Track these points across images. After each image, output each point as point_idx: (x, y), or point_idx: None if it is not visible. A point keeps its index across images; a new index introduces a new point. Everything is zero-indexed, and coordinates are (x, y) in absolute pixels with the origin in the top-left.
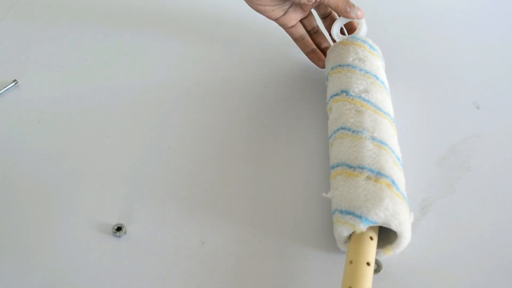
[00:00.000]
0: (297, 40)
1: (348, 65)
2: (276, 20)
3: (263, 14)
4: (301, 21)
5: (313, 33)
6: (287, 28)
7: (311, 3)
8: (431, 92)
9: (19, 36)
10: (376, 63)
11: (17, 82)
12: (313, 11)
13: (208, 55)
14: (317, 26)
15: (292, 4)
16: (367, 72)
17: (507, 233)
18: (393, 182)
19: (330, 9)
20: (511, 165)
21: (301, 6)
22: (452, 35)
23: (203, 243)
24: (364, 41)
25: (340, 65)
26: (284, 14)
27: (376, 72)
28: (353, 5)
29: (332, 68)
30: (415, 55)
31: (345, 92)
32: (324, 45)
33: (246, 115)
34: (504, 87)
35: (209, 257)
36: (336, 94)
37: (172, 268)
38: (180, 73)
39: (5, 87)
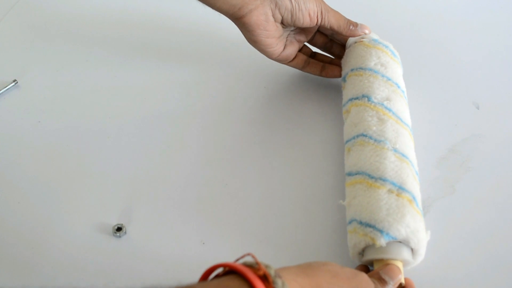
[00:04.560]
0: (304, 67)
1: (370, 70)
2: (277, 57)
3: (267, 49)
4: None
5: (312, 57)
6: (289, 63)
7: (314, 24)
8: (431, 92)
9: (19, 36)
10: (397, 71)
11: (17, 82)
12: (310, 46)
13: (209, 56)
14: (311, 50)
15: (288, 35)
16: (389, 79)
17: (507, 233)
18: (414, 198)
19: (328, 36)
20: (511, 165)
21: (303, 29)
22: (452, 36)
23: (203, 243)
24: (386, 46)
25: (361, 68)
26: (284, 48)
27: (397, 80)
28: (356, 24)
29: (352, 70)
30: (415, 55)
31: (367, 97)
32: (327, 59)
33: (246, 116)
34: (504, 87)
35: (209, 257)
36: (357, 98)
37: (172, 268)
38: (181, 73)
39: (5, 87)
